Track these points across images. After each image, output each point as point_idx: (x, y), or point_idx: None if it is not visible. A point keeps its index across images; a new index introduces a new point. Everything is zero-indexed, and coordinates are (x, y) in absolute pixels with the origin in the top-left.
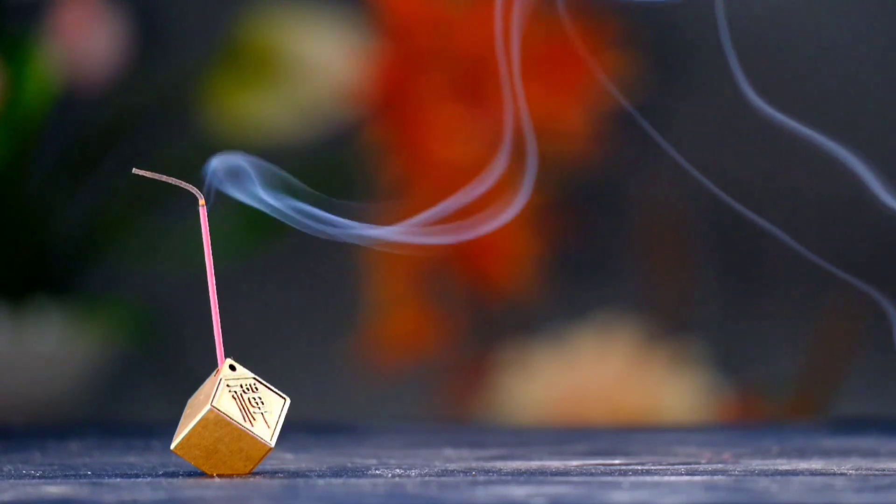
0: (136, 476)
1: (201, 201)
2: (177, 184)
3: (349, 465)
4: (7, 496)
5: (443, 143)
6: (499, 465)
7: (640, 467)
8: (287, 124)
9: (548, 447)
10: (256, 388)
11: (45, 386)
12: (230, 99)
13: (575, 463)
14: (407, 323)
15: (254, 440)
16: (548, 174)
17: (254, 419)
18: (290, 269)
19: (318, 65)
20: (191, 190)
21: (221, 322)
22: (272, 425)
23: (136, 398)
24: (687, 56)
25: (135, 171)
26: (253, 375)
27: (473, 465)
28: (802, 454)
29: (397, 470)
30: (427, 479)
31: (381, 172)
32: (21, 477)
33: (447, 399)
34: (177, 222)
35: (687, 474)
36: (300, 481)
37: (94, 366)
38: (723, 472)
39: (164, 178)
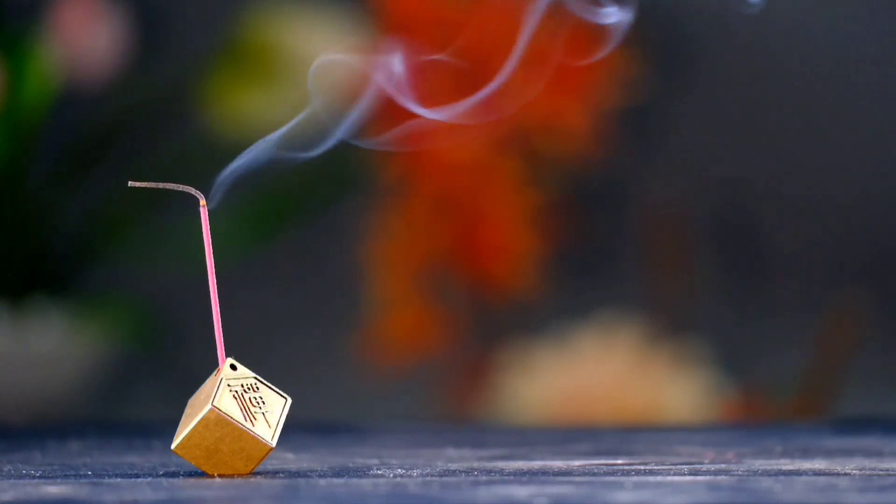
0: (137, 476)
1: (202, 201)
2: (175, 188)
3: (351, 464)
4: (7, 496)
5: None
6: (501, 464)
7: (642, 467)
8: (287, 123)
9: (550, 447)
10: (257, 388)
11: (45, 386)
12: (230, 97)
13: (577, 463)
14: (409, 322)
15: (255, 440)
16: (549, 173)
17: (255, 419)
18: (291, 269)
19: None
20: (190, 191)
21: (222, 321)
22: (273, 425)
23: (137, 398)
24: (689, 55)
25: (131, 183)
26: (254, 375)
27: (475, 464)
28: (806, 454)
29: (399, 470)
30: (429, 478)
31: (381, 172)
32: (21, 477)
33: (449, 399)
34: (177, 222)
35: (690, 474)
36: (301, 481)
37: (95, 365)
38: (726, 472)
39: (161, 185)
